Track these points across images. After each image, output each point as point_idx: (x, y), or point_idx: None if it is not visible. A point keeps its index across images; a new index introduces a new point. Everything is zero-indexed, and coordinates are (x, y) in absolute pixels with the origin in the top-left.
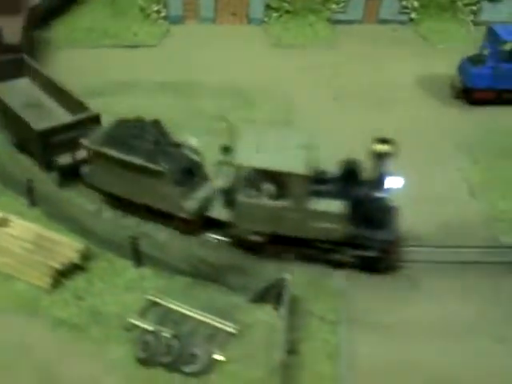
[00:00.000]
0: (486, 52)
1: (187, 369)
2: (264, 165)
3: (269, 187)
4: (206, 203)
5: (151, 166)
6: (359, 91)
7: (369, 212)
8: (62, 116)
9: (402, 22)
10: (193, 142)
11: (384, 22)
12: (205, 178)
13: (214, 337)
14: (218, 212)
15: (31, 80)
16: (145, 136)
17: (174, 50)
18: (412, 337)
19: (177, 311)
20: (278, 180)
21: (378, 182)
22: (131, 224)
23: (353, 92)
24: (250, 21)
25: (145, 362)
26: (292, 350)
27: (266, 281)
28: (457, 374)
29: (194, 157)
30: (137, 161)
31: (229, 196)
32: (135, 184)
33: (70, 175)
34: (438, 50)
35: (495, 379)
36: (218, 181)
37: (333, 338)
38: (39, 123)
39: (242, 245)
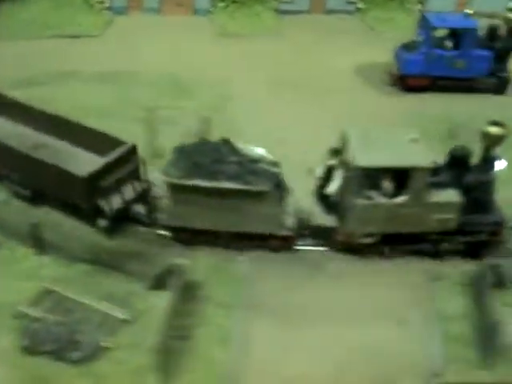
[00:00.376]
0: (419, 39)
1: (71, 356)
2: (384, 163)
3: (388, 185)
4: (300, 215)
5: (252, 188)
6: (299, 80)
7: (478, 197)
8: (85, 155)
9: (349, 12)
10: (262, 152)
11: (331, 12)
12: (288, 190)
13: (105, 324)
14: (322, 219)
15: (7, 117)
16: (225, 158)
17: (115, 41)
18: (310, 321)
19: (71, 299)
20: (398, 176)
21: (485, 166)
22: (39, 213)
23: (293, 81)
24: (196, 11)
25: (29, 350)
26: (184, 336)
27: (161, 267)
28: (353, 358)
29: (276, 169)
30: (235, 186)
31: (329, 201)
32: (227, 212)
33: (121, 219)
34: (384, 39)
35: (392, 362)
36: (332, 186)
37: (227, 322)
38: (73, 167)
39: (350, 249)
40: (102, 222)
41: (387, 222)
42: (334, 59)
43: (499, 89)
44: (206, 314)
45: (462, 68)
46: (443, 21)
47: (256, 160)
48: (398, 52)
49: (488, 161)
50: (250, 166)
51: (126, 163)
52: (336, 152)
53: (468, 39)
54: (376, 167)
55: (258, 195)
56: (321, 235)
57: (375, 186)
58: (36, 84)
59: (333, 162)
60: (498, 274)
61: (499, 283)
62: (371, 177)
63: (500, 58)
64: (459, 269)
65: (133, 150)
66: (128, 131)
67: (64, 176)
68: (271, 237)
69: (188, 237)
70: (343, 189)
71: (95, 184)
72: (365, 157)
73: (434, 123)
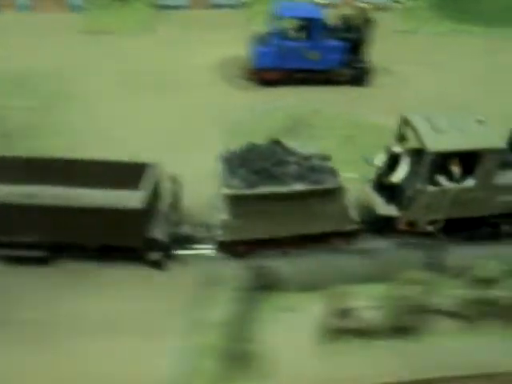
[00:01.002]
0: (271, 30)
1: None
2: (456, 146)
3: (456, 169)
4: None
5: (323, 186)
6: (153, 76)
7: None
8: (111, 191)
9: (234, 6)
10: (312, 148)
11: (216, 6)
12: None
13: None
14: (385, 209)
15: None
16: (283, 159)
17: None
18: (51, 336)
19: None
20: (465, 160)
21: None
22: None
23: (146, 77)
24: (71, 8)
25: None
26: None
27: None
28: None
29: (329, 163)
30: (306, 187)
31: (391, 190)
32: (294, 216)
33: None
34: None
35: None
36: (398, 173)
37: None
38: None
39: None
40: (154, 255)
41: (453, 207)
42: (198, 55)
43: (357, 80)
44: None
45: (316, 60)
46: (291, 10)
47: (309, 157)
48: (250, 45)
49: None
50: (307, 164)
51: (157, 185)
52: (401, 139)
53: (316, 29)
54: (449, 151)
55: (327, 193)
56: (383, 226)
57: (442, 171)
58: None
59: (398, 149)
60: (265, 276)
61: (269, 286)
62: (439, 162)
63: (355, 49)
64: (238, 272)
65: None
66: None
67: (113, 215)
68: (334, 234)
69: (246, 249)
70: (410, 176)
71: (146, 215)
72: (436, 142)
73: (280, 117)
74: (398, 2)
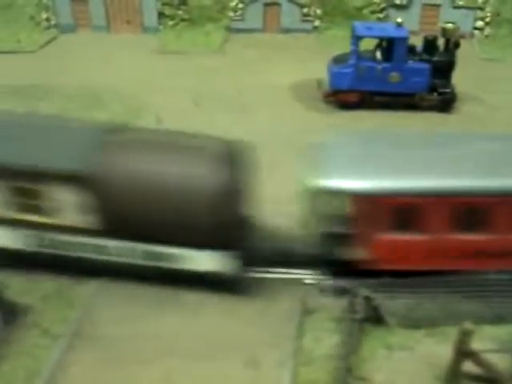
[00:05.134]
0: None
1: None
2: None
3: None
4: None
5: None
6: (229, 95)
7: None
8: None
9: (305, 31)
10: None
11: (286, 30)
12: None
13: None
14: None
15: None
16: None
17: (48, 57)
18: (146, 355)
19: None
20: None
21: None
22: None
23: (220, 96)
24: (145, 29)
25: None
26: None
27: None
28: None
29: None
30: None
31: None
32: None
33: None
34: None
35: None
36: None
37: (46, 354)
38: None
39: None
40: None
41: None
42: (273, 76)
43: (443, 106)
44: (29, 342)
45: (397, 82)
46: (370, 30)
47: None
48: (328, 65)
49: None
50: None
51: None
52: None
53: (398, 49)
54: None
55: None
56: None
57: None
58: None
59: None
60: (373, 307)
61: (376, 319)
62: None
63: (441, 73)
64: (336, 301)
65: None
66: None
67: None
68: None
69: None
70: None
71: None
72: None
73: None
74: (478, 29)
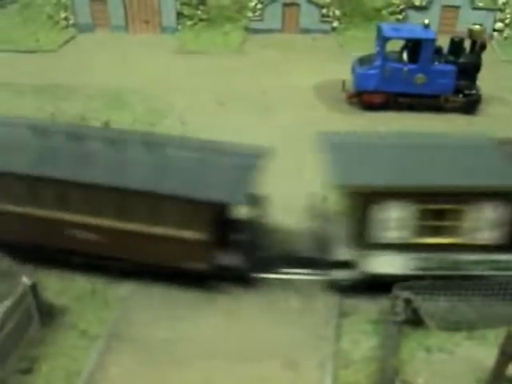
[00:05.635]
0: (376, 52)
1: None
2: None
3: None
4: None
5: None
6: (252, 95)
7: None
8: None
9: (324, 31)
10: None
11: (305, 31)
12: None
13: None
14: None
15: None
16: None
17: (68, 56)
18: (184, 357)
19: None
20: None
21: None
22: None
23: (244, 96)
24: (163, 29)
25: None
26: (27, 369)
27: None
28: None
29: None
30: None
31: None
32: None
33: None
34: (353, 57)
35: None
36: None
37: (84, 355)
38: None
39: None
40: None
41: None
42: (295, 77)
43: (468, 108)
44: (66, 343)
45: (423, 84)
46: (397, 31)
47: None
48: (353, 67)
49: None
50: None
51: None
52: None
53: (426, 51)
54: None
55: None
56: None
57: None
58: None
59: None
60: (412, 310)
61: (416, 321)
62: None
63: (467, 75)
64: (372, 303)
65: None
66: None
67: None
68: None
69: None
70: None
71: None
72: None
73: None
74: (498, 30)
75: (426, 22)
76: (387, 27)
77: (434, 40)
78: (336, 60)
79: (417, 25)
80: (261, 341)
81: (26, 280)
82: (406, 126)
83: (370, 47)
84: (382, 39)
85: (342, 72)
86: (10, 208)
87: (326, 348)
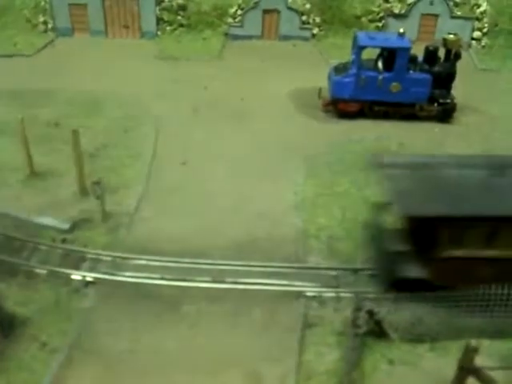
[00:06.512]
0: (351, 60)
1: None
2: None
3: None
4: None
5: None
6: (227, 103)
7: None
8: None
9: (304, 38)
10: None
11: (285, 38)
12: None
13: None
14: None
15: None
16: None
17: (45, 61)
18: (144, 369)
19: None
20: None
21: None
22: None
23: (220, 104)
24: (143, 34)
25: None
26: None
27: None
28: None
29: None
30: None
31: None
32: None
33: None
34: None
35: None
36: None
37: (44, 368)
38: None
39: None
40: None
41: None
42: (271, 84)
43: (443, 117)
44: (26, 356)
45: (398, 92)
46: (372, 40)
47: None
48: (329, 74)
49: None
50: None
51: None
52: None
53: (400, 60)
54: None
55: None
56: None
57: None
58: None
59: None
60: (375, 321)
61: (379, 333)
62: None
63: (442, 83)
64: (339, 314)
65: None
66: (7, 148)
67: None
68: None
69: None
70: None
71: None
72: None
73: (358, 151)
74: (476, 39)
75: (401, 30)
76: (363, 35)
77: (408, 49)
78: (315, 67)
79: (393, 33)
80: (223, 353)
81: None
82: (382, 134)
83: (348, 55)
84: (358, 47)
85: (320, 79)
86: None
87: (290, 360)
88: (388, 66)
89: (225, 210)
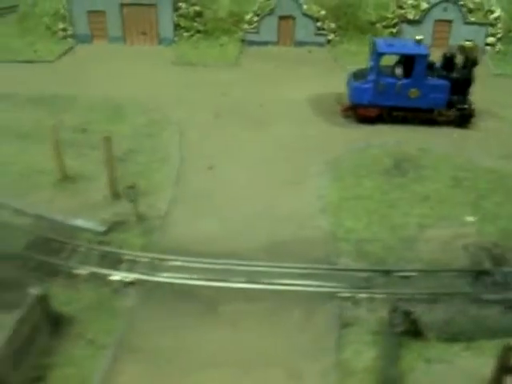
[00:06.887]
0: (369, 66)
1: None
2: None
3: None
4: None
5: None
6: (247, 108)
7: None
8: None
9: (319, 44)
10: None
11: (300, 43)
12: None
13: None
14: None
15: None
16: None
17: (67, 67)
18: (188, 366)
19: None
20: None
21: None
22: None
23: (240, 109)
24: (160, 41)
25: None
26: (38, 377)
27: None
28: None
29: None
30: None
31: None
32: None
33: None
34: (347, 70)
35: None
36: None
37: (93, 364)
38: None
39: None
40: None
41: None
42: (289, 89)
43: (461, 122)
44: (71, 353)
45: (416, 98)
46: (391, 46)
47: None
48: (348, 81)
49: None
50: None
51: None
52: None
53: (419, 66)
54: None
55: None
56: None
57: None
58: None
59: None
60: (411, 321)
61: (415, 332)
62: None
63: (459, 89)
64: (373, 314)
65: None
66: (38, 152)
67: None
68: None
69: None
70: None
71: None
72: None
73: (379, 155)
74: (490, 45)
75: (419, 37)
76: (381, 42)
77: (427, 55)
78: (330, 73)
79: (410, 40)
80: (264, 351)
81: (34, 290)
82: (401, 139)
83: (363, 61)
84: (377, 54)
85: (337, 85)
86: None
87: (328, 358)
88: (406, 72)
89: (252, 213)
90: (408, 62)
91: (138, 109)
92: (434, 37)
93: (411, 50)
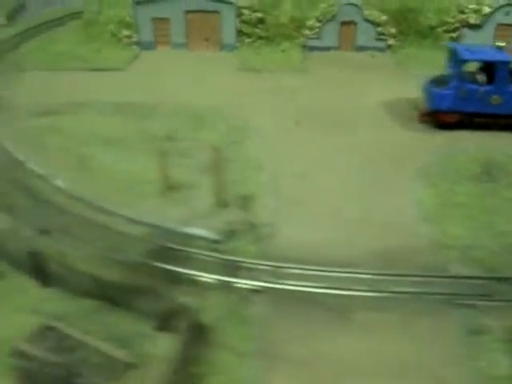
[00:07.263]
0: (449, 73)
1: None
2: None
3: None
4: None
5: None
6: (322, 115)
7: None
8: None
9: (380, 49)
10: None
11: (361, 48)
12: None
13: (108, 367)
14: None
15: None
16: None
17: (138, 74)
18: (331, 374)
19: (73, 337)
20: None
21: None
22: (43, 243)
23: (315, 116)
24: (222, 47)
25: None
26: None
27: (167, 307)
28: None
29: None
30: None
31: None
32: None
33: None
34: (411, 75)
35: None
36: None
37: (240, 372)
38: None
39: None
40: None
41: None
42: (359, 95)
43: None
44: (219, 361)
45: (498, 104)
46: (474, 53)
47: None
48: (426, 87)
49: None
50: None
51: None
52: None
53: (501, 73)
54: None
55: None
56: None
57: None
58: (54, 113)
59: None
60: None
61: None
62: None
63: None
64: (499, 322)
65: None
66: (134, 161)
67: None
68: None
69: None
70: None
71: None
72: None
73: (463, 161)
74: None
75: (501, 44)
76: (463, 49)
77: (509, 62)
78: (395, 78)
79: (489, 46)
80: (404, 359)
81: (181, 300)
82: (484, 145)
83: (426, 65)
84: (459, 61)
85: (404, 90)
86: None
87: (466, 365)
88: (488, 79)
89: (351, 221)
90: (488, 68)
91: (217, 116)
92: (496, 41)
93: (494, 56)
